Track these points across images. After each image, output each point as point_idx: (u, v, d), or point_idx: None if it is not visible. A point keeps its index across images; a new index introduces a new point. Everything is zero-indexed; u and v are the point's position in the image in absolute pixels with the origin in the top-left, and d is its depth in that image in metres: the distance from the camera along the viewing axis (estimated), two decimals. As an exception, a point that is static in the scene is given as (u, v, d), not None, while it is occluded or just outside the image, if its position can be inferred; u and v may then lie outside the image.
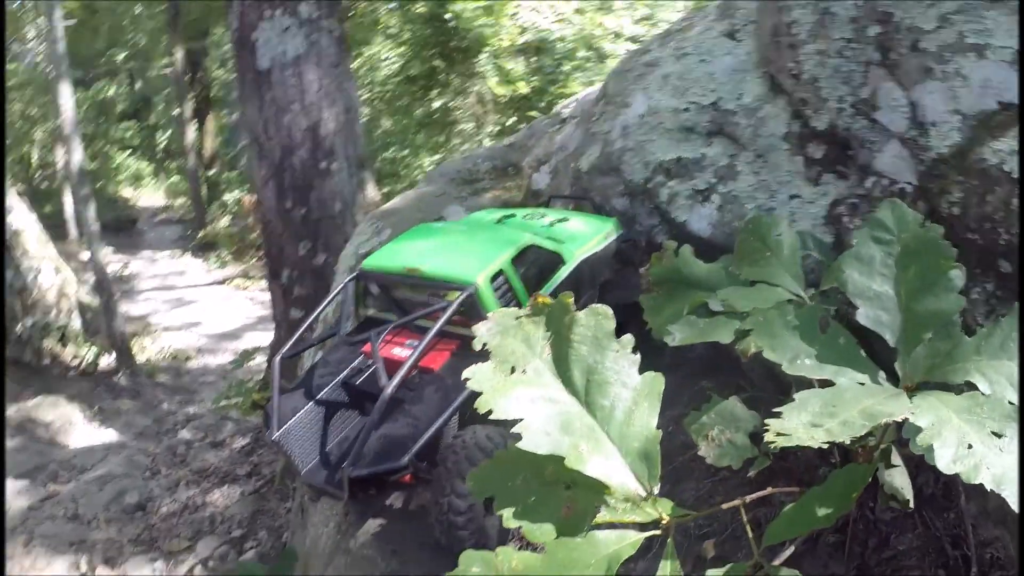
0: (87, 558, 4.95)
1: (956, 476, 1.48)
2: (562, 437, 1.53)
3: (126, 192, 27.24)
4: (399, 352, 3.05)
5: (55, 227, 18.56)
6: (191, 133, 21.10)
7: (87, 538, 5.18)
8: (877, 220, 1.90)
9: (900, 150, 2.91)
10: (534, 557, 1.47)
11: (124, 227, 22.27)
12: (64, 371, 9.94)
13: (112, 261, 17.80)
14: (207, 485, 5.88)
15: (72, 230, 16.17)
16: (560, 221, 3.70)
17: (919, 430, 1.52)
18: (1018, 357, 1.67)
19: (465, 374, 1.59)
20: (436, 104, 15.63)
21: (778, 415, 1.57)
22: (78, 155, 10.23)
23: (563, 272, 3.32)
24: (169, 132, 28.40)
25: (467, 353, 2.95)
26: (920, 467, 2.31)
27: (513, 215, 3.86)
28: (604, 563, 1.44)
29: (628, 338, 1.60)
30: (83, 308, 11.45)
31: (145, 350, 11.62)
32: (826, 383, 1.79)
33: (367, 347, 3.10)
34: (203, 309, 14.60)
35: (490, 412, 2.18)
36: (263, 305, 12.65)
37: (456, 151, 16.01)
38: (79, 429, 7.96)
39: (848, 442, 1.53)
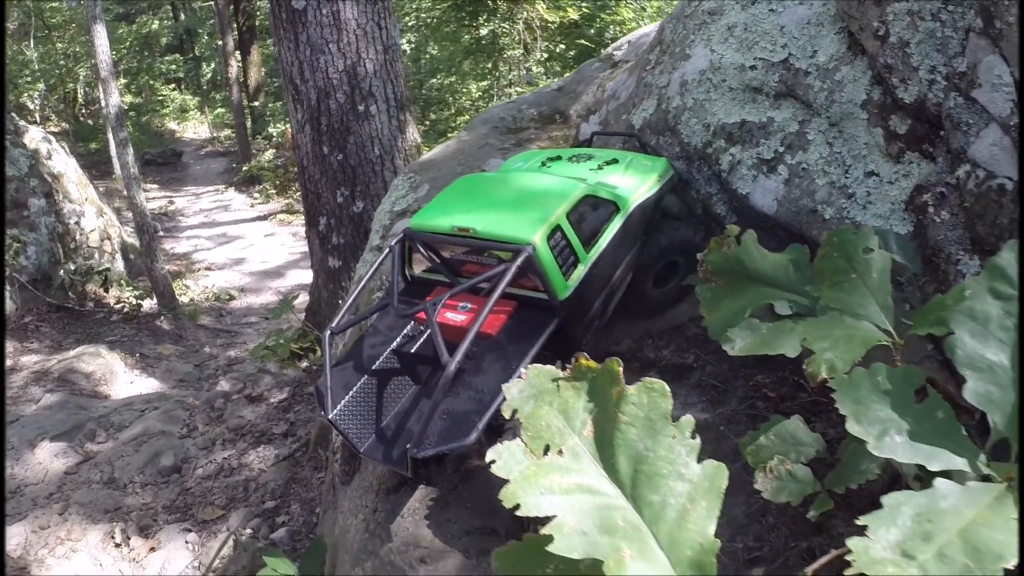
0: (121, 527, 4.88)
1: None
2: (601, 538, 1.26)
3: (171, 125, 27.27)
4: (453, 317, 2.88)
5: (101, 164, 18.72)
6: (235, 65, 20.86)
7: (122, 504, 5.11)
8: (998, 268, 1.55)
9: (1001, 138, 2.49)
10: None
11: (169, 161, 22.42)
12: (107, 316, 9.96)
13: (157, 197, 17.90)
14: (243, 445, 5.77)
15: (117, 167, 16.14)
16: (609, 163, 3.48)
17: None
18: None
19: (490, 455, 1.33)
20: (483, 31, 15.25)
21: (861, 529, 1.28)
22: (115, 98, 10.04)
23: (617, 221, 3.12)
24: (213, 64, 28.21)
25: (524, 314, 2.87)
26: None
27: (559, 157, 3.65)
28: None
29: (687, 420, 1.32)
30: (126, 249, 11.45)
31: (188, 290, 11.61)
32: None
33: (421, 315, 2.92)
34: (247, 245, 14.60)
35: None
36: (306, 241, 12.71)
37: (503, 78, 15.63)
38: (120, 379, 7.93)
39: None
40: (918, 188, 2.83)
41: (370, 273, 3.17)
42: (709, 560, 1.25)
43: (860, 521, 1.28)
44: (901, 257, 2.44)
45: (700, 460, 1.31)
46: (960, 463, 1.47)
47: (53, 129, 20.79)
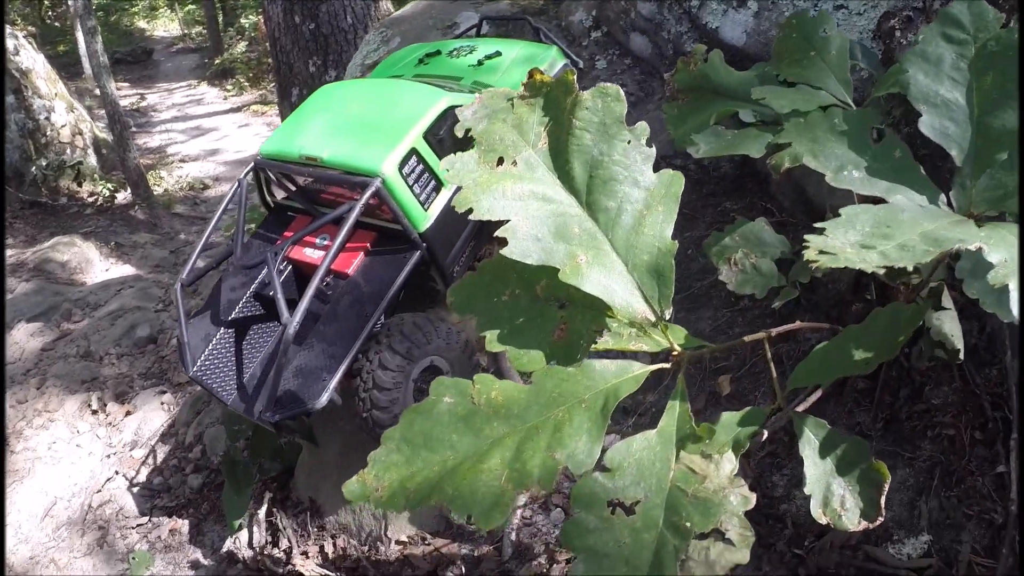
0: (98, 395, 4.90)
1: (1002, 329, 1.18)
2: (556, 244, 1.25)
3: (141, 24, 26.46)
4: (311, 253, 2.73)
5: (70, 65, 18.15)
6: (205, -43, 20.15)
7: (99, 375, 5.12)
8: (950, 15, 1.53)
9: (969, -41, 2.48)
10: (517, 388, 1.23)
11: (140, 59, 21.76)
12: (81, 209, 9.80)
13: (128, 95, 17.46)
14: (216, 315, 5.78)
15: (87, 66, 15.68)
16: (491, 57, 3.25)
17: (976, 269, 1.23)
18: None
19: (443, 164, 1.31)
20: None
21: (819, 231, 1.27)
22: (83, -17, 9.69)
23: None
24: (183, -41, 27.19)
25: (384, 247, 2.69)
26: (963, 313, 2.01)
27: (439, 52, 3.42)
28: (600, 399, 1.19)
29: (643, 126, 1.29)
30: (98, 144, 11.22)
31: (162, 181, 11.44)
32: (875, 202, 1.50)
33: (281, 240, 2.77)
34: (221, 137, 14.35)
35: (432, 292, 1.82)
36: (281, 127, 12.43)
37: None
38: (96, 266, 7.86)
39: (903, 267, 1.21)
40: (885, 15, 2.83)
41: (220, 211, 2.95)
42: (667, 263, 1.25)
43: (818, 226, 1.27)
44: (865, 64, 2.42)
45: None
46: (919, 199, 1.46)
47: (19, 33, 20.10)
